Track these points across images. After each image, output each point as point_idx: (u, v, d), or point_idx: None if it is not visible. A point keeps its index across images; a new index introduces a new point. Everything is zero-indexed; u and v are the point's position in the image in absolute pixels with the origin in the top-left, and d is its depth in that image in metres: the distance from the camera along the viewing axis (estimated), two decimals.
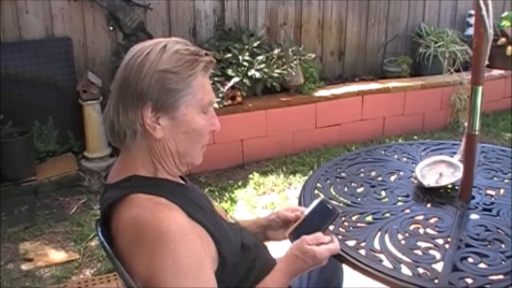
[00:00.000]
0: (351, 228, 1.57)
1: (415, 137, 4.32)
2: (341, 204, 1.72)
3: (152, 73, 1.18)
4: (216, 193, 3.53)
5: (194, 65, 1.21)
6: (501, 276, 1.33)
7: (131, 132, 1.20)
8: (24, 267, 2.73)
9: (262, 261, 1.34)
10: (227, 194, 3.52)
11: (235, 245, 1.29)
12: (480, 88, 1.60)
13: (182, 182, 1.33)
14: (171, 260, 1.10)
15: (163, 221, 1.12)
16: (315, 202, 1.41)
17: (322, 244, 1.31)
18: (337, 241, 1.35)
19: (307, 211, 1.41)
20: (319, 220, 1.37)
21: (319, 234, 1.33)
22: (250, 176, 3.77)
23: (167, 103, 1.19)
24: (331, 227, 1.52)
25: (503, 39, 4.70)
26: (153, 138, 1.21)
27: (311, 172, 3.65)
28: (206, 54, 1.25)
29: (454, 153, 1.98)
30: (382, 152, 2.14)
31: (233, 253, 1.25)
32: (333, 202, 1.72)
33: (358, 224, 1.59)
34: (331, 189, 1.83)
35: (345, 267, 1.55)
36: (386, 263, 1.39)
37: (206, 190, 3.52)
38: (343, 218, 1.62)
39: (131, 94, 1.18)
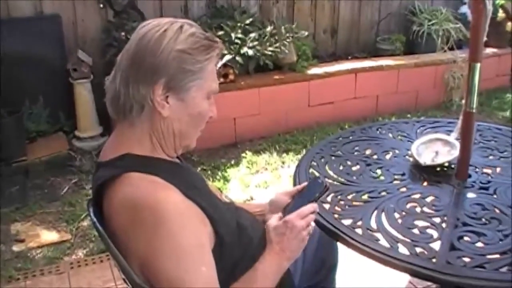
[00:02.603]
0: (347, 207, 1.55)
1: (409, 115, 4.30)
2: (336, 183, 1.70)
3: (170, 50, 1.16)
4: (209, 172, 3.50)
5: (210, 50, 1.21)
6: (498, 255, 1.31)
7: (139, 106, 1.18)
8: (16, 248, 2.70)
9: (261, 240, 1.32)
10: (219, 173, 3.50)
11: (231, 224, 1.27)
12: (478, 65, 1.58)
13: (178, 161, 1.31)
14: (168, 240, 1.08)
15: (160, 201, 1.10)
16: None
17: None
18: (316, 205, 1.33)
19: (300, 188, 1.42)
20: (309, 195, 1.36)
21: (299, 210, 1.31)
22: (243, 154, 3.75)
23: (180, 83, 1.18)
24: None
25: (502, 15, 4.64)
26: (159, 116, 1.19)
27: (304, 150, 3.64)
28: (219, 41, 1.25)
29: (450, 131, 1.96)
30: (377, 130, 2.13)
31: (230, 232, 1.23)
32: (328, 180, 1.70)
33: (354, 203, 1.57)
34: (327, 168, 1.81)
35: (341, 247, 1.53)
36: (383, 242, 1.37)
37: (199, 169, 3.50)
38: (338, 197, 1.60)
39: (145, 67, 1.16)
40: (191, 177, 1.30)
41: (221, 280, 1.15)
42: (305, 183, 1.43)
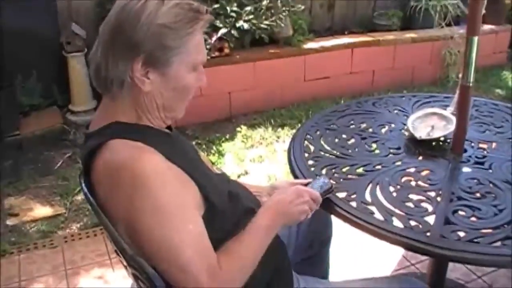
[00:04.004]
0: (341, 180, 1.54)
1: (405, 91, 4.27)
2: (331, 156, 1.69)
3: (149, 25, 1.12)
4: (203, 146, 3.49)
5: (194, 22, 1.17)
6: (492, 230, 1.30)
7: (118, 81, 1.16)
8: (10, 222, 2.68)
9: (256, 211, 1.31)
10: (214, 147, 3.48)
11: (222, 193, 1.26)
12: (476, 39, 1.55)
13: (166, 131, 1.29)
14: (149, 200, 1.07)
15: (138, 161, 1.09)
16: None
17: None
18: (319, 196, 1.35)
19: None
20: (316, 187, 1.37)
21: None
22: (238, 129, 3.73)
23: (160, 59, 1.14)
24: None
25: None
26: (140, 91, 1.17)
27: (299, 125, 3.61)
28: (207, 11, 1.21)
29: (446, 106, 1.94)
30: (373, 104, 2.10)
31: (221, 201, 1.22)
32: (322, 153, 1.70)
33: (349, 176, 1.56)
34: (321, 141, 1.79)
35: (335, 220, 1.52)
36: (378, 215, 1.36)
37: (193, 143, 3.45)
38: (333, 170, 1.59)
39: (124, 43, 1.13)
40: (179, 145, 1.29)
41: (215, 247, 1.14)
42: (310, 180, 1.43)
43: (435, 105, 2.00)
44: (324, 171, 1.58)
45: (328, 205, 1.40)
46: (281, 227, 1.27)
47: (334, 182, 1.49)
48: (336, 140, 1.80)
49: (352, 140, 1.79)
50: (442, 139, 1.75)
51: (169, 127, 1.31)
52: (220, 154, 3.42)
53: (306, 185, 1.39)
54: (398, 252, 2.39)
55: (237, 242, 1.19)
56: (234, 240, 1.20)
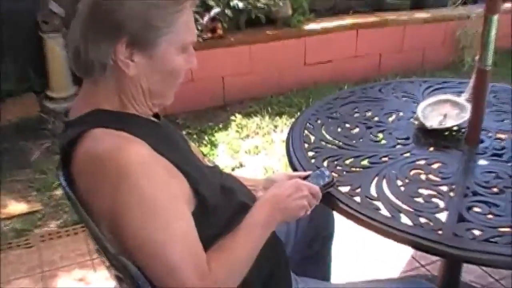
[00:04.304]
0: (344, 172, 1.53)
1: (414, 76, 4.25)
2: (333, 146, 1.68)
3: (134, 2, 1.11)
4: (195, 136, 3.49)
5: (182, 0, 1.16)
6: (511, 229, 1.29)
7: (100, 65, 1.15)
8: None
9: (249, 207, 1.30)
10: (206, 137, 3.49)
11: (214, 187, 1.26)
12: (495, 17, 1.53)
13: (153, 119, 1.28)
14: (135, 194, 1.07)
15: (122, 152, 1.08)
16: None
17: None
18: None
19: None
20: (313, 184, 1.36)
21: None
22: (232, 117, 3.73)
23: (146, 40, 1.13)
24: None
25: None
26: (125, 75, 1.16)
27: (299, 113, 3.60)
28: None
29: (461, 92, 1.92)
30: (379, 90, 2.09)
31: (213, 194, 1.22)
32: (324, 143, 1.69)
33: (353, 169, 1.55)
34: (323, 130, 1.78)
35: (337, 216, 1.51)
36: (384, 211, 1.35)
37: (184, 132, 3.46)
38: (335, 162, 1.58)
39: (106, 22, 1.12)
40: (168, 135, 1.28)
41: (206, 246, 1.14)
42: (310, 172, 1.42)
43: (448, 91, 1.99)
44: (325, 163, 1.57)
45: (329, 200, 1.39)
46: (278, 223, 1.27)
47: (336, 175, 1.48)
48: (339, 129, 1.79)
49: (356, 130, 1.78)
50: (455, 128, 1.73)
51: (156, 115, 1.30)
52: (213, 145, 3.41)
53: (305, 178, 1.38)
54: (406, 252, 2.39)
55: (230, 240, 1.18)
56: (227, 238, 1.19)
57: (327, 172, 1.39)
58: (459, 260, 1.57)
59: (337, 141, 1.71)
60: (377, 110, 1.92)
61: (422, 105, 1.81)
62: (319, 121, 1.84)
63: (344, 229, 1.78)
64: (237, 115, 3.75)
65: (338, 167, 1.55)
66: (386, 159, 1.59)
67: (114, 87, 1.18)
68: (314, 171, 1.43)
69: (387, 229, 1.29)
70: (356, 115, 1.90)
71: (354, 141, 1.71)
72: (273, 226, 1.26)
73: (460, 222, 1.31)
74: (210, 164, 1.44)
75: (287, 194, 1.27)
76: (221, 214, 1.23)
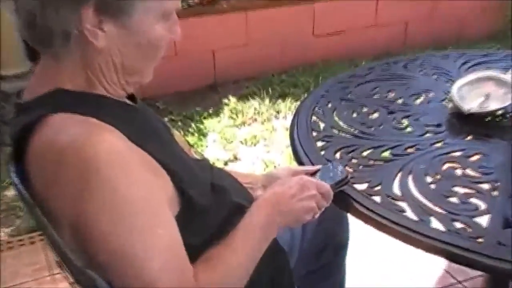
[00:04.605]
0: (361, 167, 1.52)
1: (449, 49, 4.24)
2: (347, 135, 1.68)
3: None
4: (179, 123, 3.50)
5: None
6: None
7: (62, 34, 1.13)
8: None
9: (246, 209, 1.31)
10: (193, 125, 3.49)
11: (203, 185, 1.26)
12: None
13: (128, 102, 1.28)
14: (105, 194, 1.05)
15: (90, 142, 1.07)
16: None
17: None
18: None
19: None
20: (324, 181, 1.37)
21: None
22: (225, 100, 3.74)
23: (118, 5, 1.12)
24: None
25: None
26: (93, 47, 1.14)
27: (305, 95, 3.61)
28: None
29: (507, 68, 1.93)
30: (405, 67, 2.10)
31: (202, 194, 1.22)
32: (336, 131, 1.70)
33: (371, 162, 1.55)
34: (335, 115, 1.78)
35: (352, 220, 1.52)
36: (410, 214, 1.33)
37: (166, 119, 3.46)
38: (350, 154, 1.57)
39: None
40: (146, 121, 1.28)
41: (194, 257, 1.14)
42: (319, 166, 1.43)
43: (491, 67, 1.98)
44: (337, 156, 1.57)
45: (343, 200, 1.39)
46: (279, 229, 1.26)
47: (350, 170, 1.47)
48: (354, 114, 1.79)
49: (376, 115, 1.78)
50: (499, 112, 1.73)
51: (132, 98, 1.30)
52: (201, 133, 3.42)
53: (313, 174, 1.38)
54: (439, 264, 2.39)
55: (221, 249, 1.18)
56: (217, 246, 1.18)
57: (340, 167, 1.39)
58: (506, 276, 1.55)
59: (352, 129, 1.71)
60: (401, 90, 1.92)
61: (458, 83, 1.80)
62: (330, 104, 1.85)
63: (360, 236, 1.78)
64: (230, 97, 3.75)
65: (353, 160, 1.55)
66: (412, 150, 1.59)
67: (80, 62, 1.17)
68: (324, 165, 1.43)
69: (414, 235, 1.28)
70: (375, 96, 1.90)
71: (373, 129, 1.71)
72: (274, 232, 1.25)
73: (507, 229, 1.29)
74: (198, 157, 1.43)
75: (291, 193, 1.26)
76: (211, 218, 1.23)
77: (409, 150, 1.59)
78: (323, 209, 1.32)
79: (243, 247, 1.20)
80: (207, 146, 3.31)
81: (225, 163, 3.12)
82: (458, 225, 1.30)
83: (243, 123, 3.56)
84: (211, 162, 1.45)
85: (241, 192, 1.40)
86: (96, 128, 1.10)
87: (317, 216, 1.30)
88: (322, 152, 1.59)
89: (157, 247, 1.07)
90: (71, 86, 1.17)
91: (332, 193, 1.33)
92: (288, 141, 1.70)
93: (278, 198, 1.26)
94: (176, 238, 1.11)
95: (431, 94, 1.89)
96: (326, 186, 1.32)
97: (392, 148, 1.60)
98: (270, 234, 1.25)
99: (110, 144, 1.08)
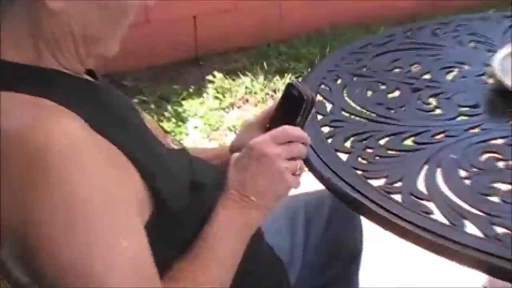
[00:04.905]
0: (377, 158, 1.51)
1: (492, 12, 4.24)
2: (360, 119, 1.68)
3: None
4: (152, 106, 3.52)
5: None
6: None
7: None
8: None
9: None
10: (169, 108, 3.51)
11: (181, 182, 1.25)
12: None
13: (88, 78, 1.28)
14: (57, 196, 1.03)
15: (39, 130, 1.05)
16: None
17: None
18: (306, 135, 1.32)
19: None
20: (288, 114, 1.36)
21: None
22: (209, 77, 3.75)
23: None
24: None
25: None
26: (45, 9, 1.12)
27: (309, 70, 3.61)
28: None
29: None
30: (433, 33, 2.10)
31: (178, 194, 1.21)
32: (346, 114, 1.69)
33: (390, 152, 1.54)
34: (345, 94, 1.78)
35: (366, 224, 1.51)
36: (439, 216, 1.32)
37: (135, 100, 3.49)
38: (364, 142, 1.57)
39: None
40: (109, 102, 1.26)
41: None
42: (279, 96, 1.41)
43: None
44: (348, 144, 1.56)
45: (355, 200, 1.38)
46: (259, 216, 1.28)
47: (364, 162, 1.48)
48: (370, 92, 1.79)
49: (396, 93, 1.78)
50: None
51: (92, 73, 1.29)
52: (180, 118, 3.44)
53: (278, 108, 1.39)
54: (475, 278, 2.38)
55: (190, 264, 1.19)
56: (186, 257, 1.20)
57: (298, 89, 1.35)
58: None
59: (366, 111, 1.71)
60: (429, 63, 1.92)
61: (501, 54, 1.80)
62: (339, 81, 1.84)
63: (376, 244, 1.78)
64: (216, 73, 3.76)
65: (367, 150, 1.54)
66: (441, 137, 1.58)
67: (27, 28, 1.16)
68: (285, 92, 1.40)
69: (444, 243, 1.26)
70: (396, 70, 1.90)
71: (392, 111, 1.70)
72: (253, 229, 1.27)
73: None
74: (175, 146, 1.41)
75: (251, 173, 1.26)
76: (189, 225, 1.23)
77: (438, 137, 1.58)
78: (303, 156, 1.31)
79: (214, 258, 1.21)
80: (187, 134, 3.32)
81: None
82: (500, 229, 1.29)
83: (232, 105, 3.58)
84: (189, 152, 1.44)
85: (223, 184, 1.39)
86: (47, 111, 1.09)
87: (300, 171, 1.30)
88: (330, 140, 1.58)
89: (120, 262, 1.06)
90: (17, 58, 1.16)
91: (299, 131, 1.31)
92: None
93: (241, 188, 1.26)
94: (144, 251, 1.10)
95: (466, 67, 1.89)
96: (285, 131, 1.29)
97: (416, 134, 1.59)
98: (250, 229, 1.27)
99: (65, 133, 1.07)
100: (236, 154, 1.30)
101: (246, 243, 1.25)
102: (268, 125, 1.40)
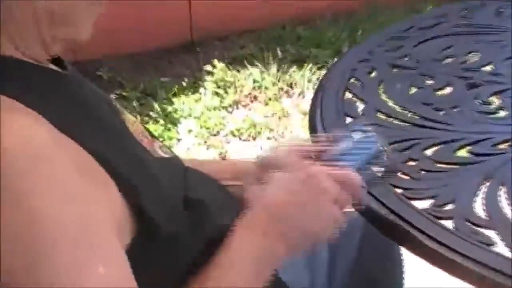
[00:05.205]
0: (422, 173, 1.52)
1: None
2: (401, 123, 1.68)
3: None
4: (134, 103, 3.54)
5: None
6: None
7: None
8: None
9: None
10: (156, 106, 3.53)
11: (172, 198, 1.26)
12: None
13: (54, 68, 1.28)
14: (14, 212, 1.03)
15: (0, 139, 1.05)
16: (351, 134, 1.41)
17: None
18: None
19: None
20: (350, 159, 1.36)
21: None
22: (207, 67, 3.78)
23: None
24: None
25: None
26: None
27: (335, 60, 3.62)
28: None
29: None
30: (497, 12, 2.11)
31: (169, 213, 1.22)
32: (382, 116, 1.69)
33: (439, 165, 1.54)
34: (381, 91, 1.78)
35: (408, 256, 1.50)
36: (502, 249, 1.32)
37: (114, 96, 3.52)
38: (405, 152, 1.57)
39: None
40: (82, 97, 1.27)
41: None
42: (337, 134, 1.41)
43: None
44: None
45: (394, 226, 1.38)
46: (282, 258, 1.27)
47: (406, 178, 1.48)
48: (413, 89, 1.79)
49: (448, 90, 1.78)
50: None
51: (59, 62, 1.29)
52: (170, 120, 3.46)
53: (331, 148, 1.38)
54: None
55: None
56: None
57: (371, 137, 1.37)
58: None
59: (408, 112, 1.71)
60: (490, 51, 1.93)
61: None
62: (374, 74, 1.85)
63: (421, 282, 1.76)
64: (216, 62, 3.78)
65: (410, 163, 1.54)
66: (506, 146, 1.58)
67: None
68: (346, 132, 1.41)
69: (509, 284, 1.27)
70: (447, 61, 1.90)
71: (442, 112, 1.70)
72: (271, 267, 1.27)
73: None
74: (164, 154, 1.42)
75: (291, 200, 1.26)
76: (182, 251, 1.24)
77: (502, 147, 1.58)
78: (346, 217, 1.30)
79: None
80: (178, 140, 3.34)
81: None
82: None
83: (236, 104, 3.59)
84: (182, 162, 1.45)
85: (231, 206, 1.40)
86: (8, 112, 1.09)
87: (342, 225, 1.29)
88: None
89: None
90: None
91: (359, 180, 1.31)
92: (306, 133, 1.70)
93: (272, 212, 1.26)
94: (125, 279, 1.11)
95: None
96: (347, 169, 1.30)
97: (473, 143, 1.60)
98: (266, 271, 1.25)
99: (25, 136, 1.07)
100: (278, 173, 1.31)
101: (263, 280, 1.24)
102: (315, 157, 1.40)
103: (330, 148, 1.40)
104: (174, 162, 1.42)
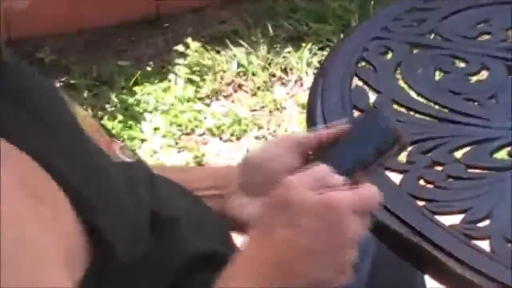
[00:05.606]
0: (450, 180, 1.53)
1: None
2: (425, 117, 1.69)
3: None
4: (85, 94, 3.55)
5: None
6: None
7: None
8: None
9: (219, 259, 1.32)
10: (113, 97, 3.54)
11: (136, 215, 1.26)
12: None
13: None
14: None
15: None
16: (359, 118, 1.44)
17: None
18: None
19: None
20: (362, 148, 1.35)
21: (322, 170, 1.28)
22: (178, 47, 3.79)
23: None
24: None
25: None
26: None
27: (342, 37, 3.62)
28: None
29: None
30: None
31: (131, 234, 1.23)
32: (405, 110, 1.71)
33: (472, 171, 1.55)
34: (398, 76, 1.80)
35: (433, 286, 1.51)
36: None
37: (58, 84, 3.51)
38: (429, 154, 1.58)
39: None
40: (21, 90, 1.26)
41: None
42: (339, 122, 1.41)
43: None
44: (403, 157, 1.56)
45: (415, 247, 1.38)
46: None
47: (430, 187, 1.49)
48: (439, 74, 1.80)
49: (484, 75, 1.80)
50: None
51: None
52: (131, 115, 3.47)
53: (337, 139, 1.38)
54: None
55: None
56: None
57: (383, 121, 1.36)
58: None
59: (433, 104, 1.72)
60: None
61: None
62: (390, 55, 1.86)
63: None
64: (189, 41, 3.79)
65: (435, 167, 1.56)
66: None
67: None
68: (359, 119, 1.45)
69: None
70: (483, 38, 1.92)
71: (477, 103, 1.72)
72: None
73: None
74: (126, 158, 1.42)
75: (301, 238, 1.23)
76: (148, 282, 1.25)
77: None
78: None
79: None
80: (142, 140, 3.35)
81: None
82: None
83: (215, 94, 3.60)
84: (148, 167, 1.46)
85: (208, 225, 1.42)
86: None
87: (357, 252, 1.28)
88: None
89: None
90: None
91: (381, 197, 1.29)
92: (304, 131, 1.71)
93: (277, 252, 1.26)
94: None
95: None
96: (370, 188, 1.26)
97: None
98: None
99: None
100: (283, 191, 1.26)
101: None
102: (315, 153, 1.41)
103: (331, 139, 1.40)
104: (139, 168, 1.42)
